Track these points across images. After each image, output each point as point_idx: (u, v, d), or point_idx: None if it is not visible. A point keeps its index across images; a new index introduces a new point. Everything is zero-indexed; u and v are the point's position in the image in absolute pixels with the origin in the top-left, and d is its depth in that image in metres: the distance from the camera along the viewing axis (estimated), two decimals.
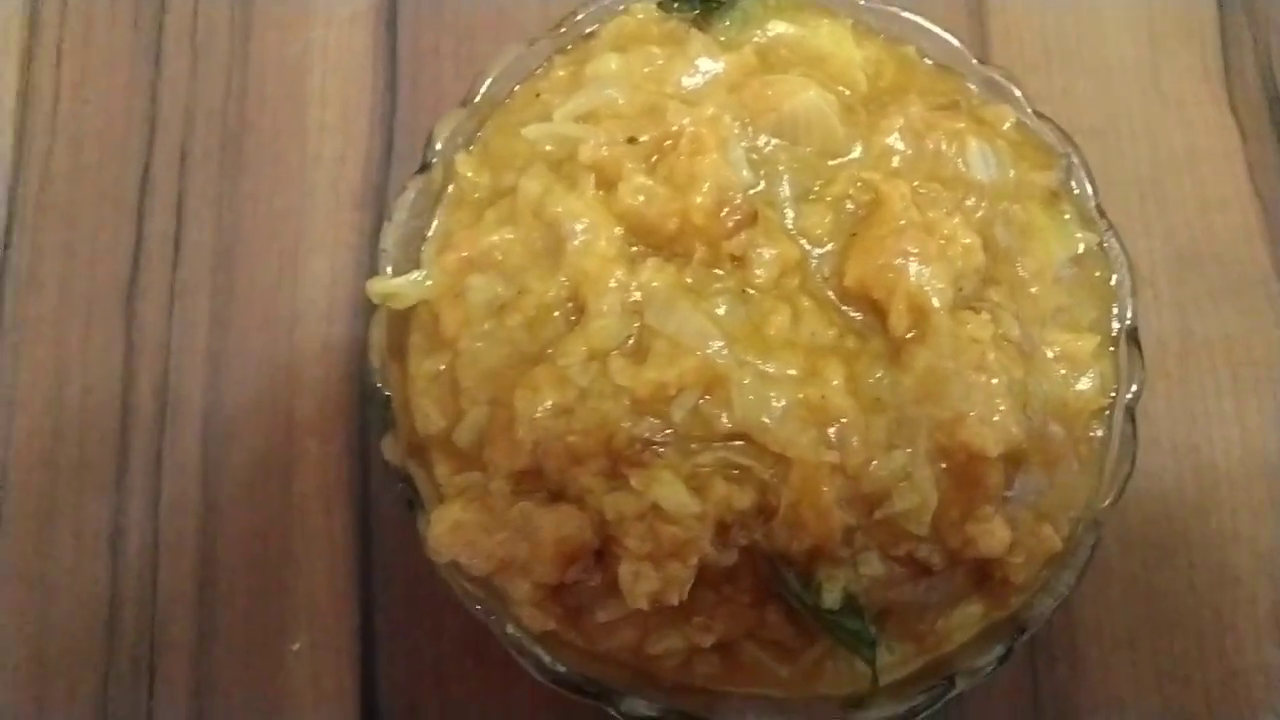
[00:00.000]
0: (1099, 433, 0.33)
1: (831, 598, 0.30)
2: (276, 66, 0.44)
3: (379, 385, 0.32)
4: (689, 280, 0.30)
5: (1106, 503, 0.32)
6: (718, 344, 0.30)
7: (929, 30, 0.36)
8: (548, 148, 0.33)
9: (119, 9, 0.45)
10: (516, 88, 0.34)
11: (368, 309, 0.41)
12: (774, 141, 0.32)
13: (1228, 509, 0.40)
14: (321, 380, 0.42)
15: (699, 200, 0.30)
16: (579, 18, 0.34)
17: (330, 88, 0.44)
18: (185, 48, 0.45)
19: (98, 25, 0.45)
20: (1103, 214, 0.35)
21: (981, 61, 0.36)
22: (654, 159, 0.31)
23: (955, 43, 0.36)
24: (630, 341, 0.31)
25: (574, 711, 0.35)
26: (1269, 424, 0.41)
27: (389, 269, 0.32)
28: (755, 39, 0.34)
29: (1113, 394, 0.33)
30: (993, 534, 0.30)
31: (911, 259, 0.30)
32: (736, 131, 0.31)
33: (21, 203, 0.43)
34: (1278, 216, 0.44)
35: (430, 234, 0.33)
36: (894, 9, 0.35)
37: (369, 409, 0.32)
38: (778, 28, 0.34)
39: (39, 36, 0.45)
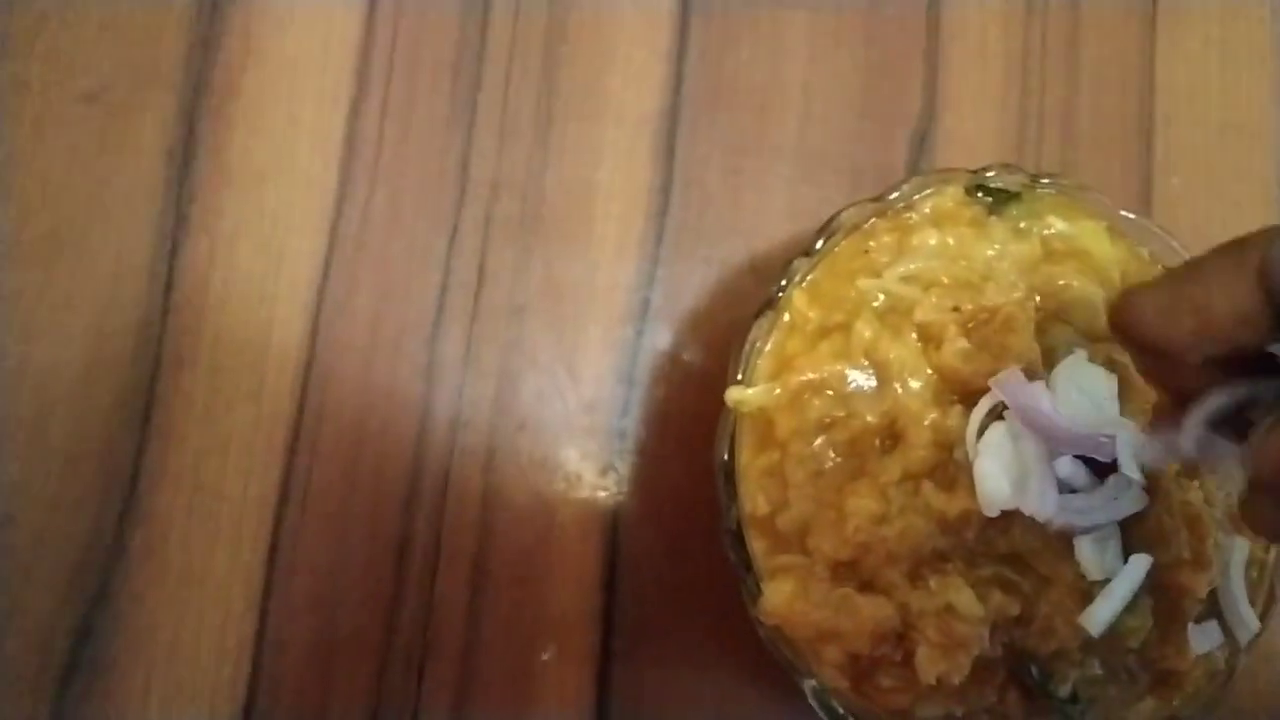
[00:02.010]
0: (1254, 578, 0.42)
1: (1064, 689, 0.39)
2: (573, 155, 0.51)
3: (727, 473, 0.39)
4: None
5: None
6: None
7: (1160, 236, 0.44)
8: (878, 299, 0.41)
9: (439, 78, 0.52)
10: (843, 240, 0.42)
11: (629, 376, 0.49)
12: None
13: None
14: (587, 432, 0.49)
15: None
16: (896, 194, 0.42)
17: (616, 181, 0.52)
18: (495, 126, 0.51)
19: (420, 88, 0.51)
20: None
21: None
22: (970, 326, 0.40)
23: (1180, 250, 0.45)
24: (938, 471, 0.39)
25: None
26: None
27: (739, 377, 0.40)
28: (1037, 230, 0.43)
29: (1268, 549, 0.42)
30: (1182, 654, 0.39)
31: None
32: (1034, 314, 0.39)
33: (340, 238, 0.50)
34: None
35: (766, 351, 0.41)
36: (1140, 219, 0.44)
37: (721, 495, 0.39)
38: (1055, 223, 0.43)
39: (365, 89, 0.51)
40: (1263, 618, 0.41)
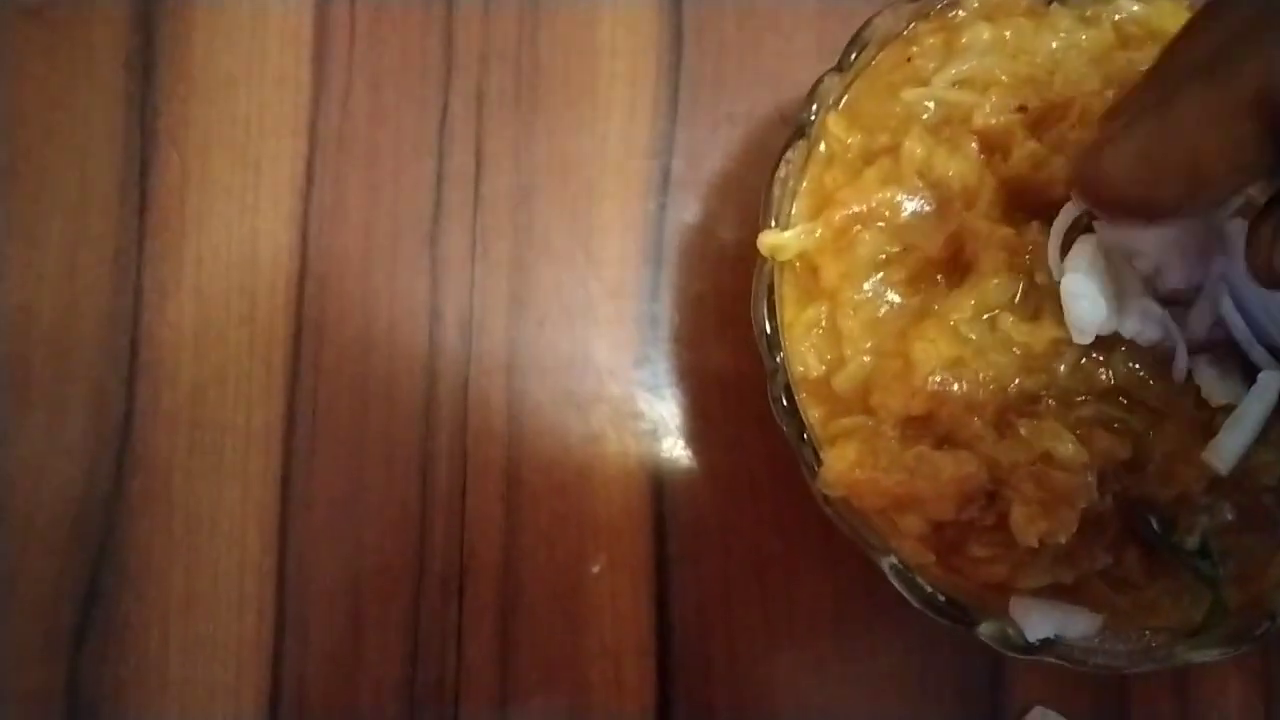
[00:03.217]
0: None
1: (1191, 541, 0.33)
2: (568, 12, 0.46)
3: (770, 332, 0.34)
4: None
5: None
6: None
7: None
8: (926, 112, 0.35)
9: None
10: (880, 52, 0.36)
11: (655, 255, 0.44)
12: None
13: None
14: (615, 321, 0.44)
15: None
16: None
17: (620, 36, 0.46)
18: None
19: None
20: None
21: None
22: (1040, 126, 0.33)
23: None
24: (1016, 300, 0.33)
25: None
26: None
27: (773, 222, 0.34)
28: (1107, 14, 0.36)
29: None
30: None
31: None
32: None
33: (323, 139, 0.45)
34: None
35: (803, 188, 0.35)
36: None
37: (764, 352, 0.33)
38: (1126, 4, 0.36)
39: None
40: None
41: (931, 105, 0.35)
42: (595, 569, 0.42)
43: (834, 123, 0.35)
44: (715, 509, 0.42)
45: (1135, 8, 0.36)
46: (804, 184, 0.36)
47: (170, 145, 0.44)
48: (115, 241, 0.44)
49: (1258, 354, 0.32)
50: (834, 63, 0.40)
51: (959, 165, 0.33)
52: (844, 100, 0.36)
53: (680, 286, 0.44)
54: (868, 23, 0.36)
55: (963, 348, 0.32)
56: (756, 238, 0.35)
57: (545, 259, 0.44)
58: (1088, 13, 0.36)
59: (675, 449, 0.43)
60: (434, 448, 0.43)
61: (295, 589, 0.42)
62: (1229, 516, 0.33)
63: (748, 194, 0.45)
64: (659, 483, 0.43)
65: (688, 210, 0.45)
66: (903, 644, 0.42)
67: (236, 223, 0.44)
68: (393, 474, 0.43)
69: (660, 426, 0.43)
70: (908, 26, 0.36)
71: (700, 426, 0.43)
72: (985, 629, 0.33)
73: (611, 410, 0.43)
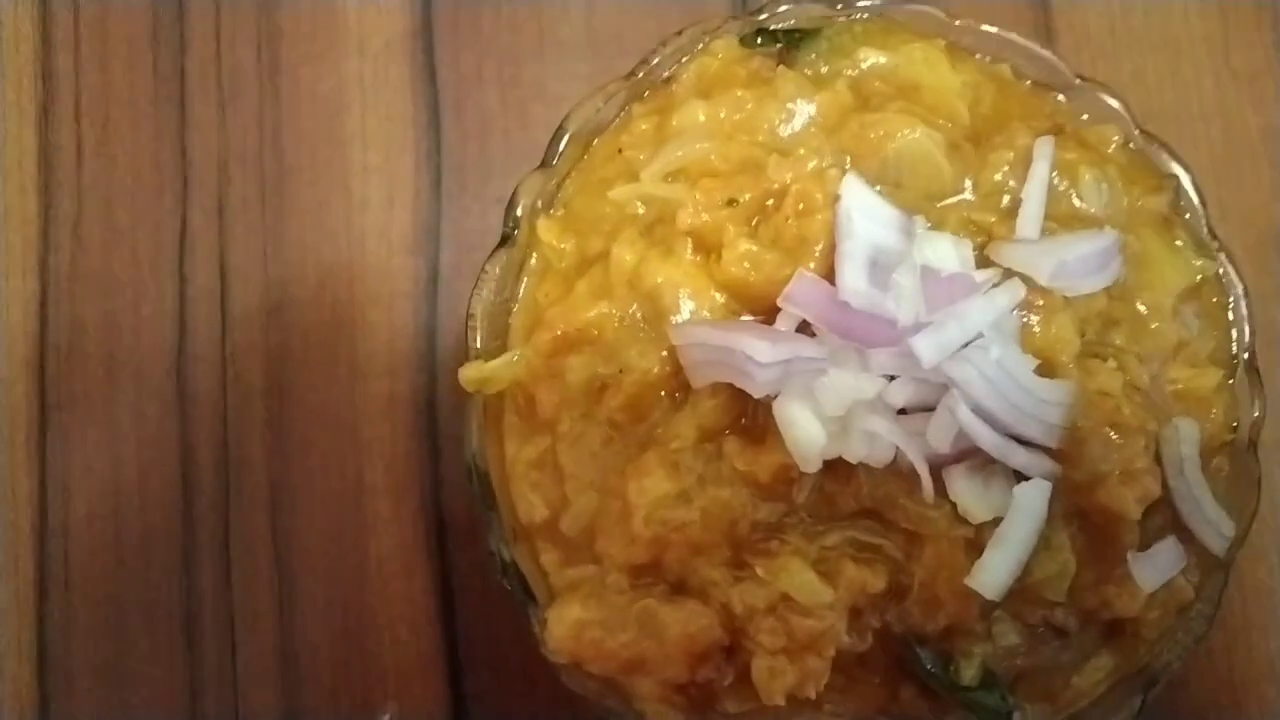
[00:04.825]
0: (1224, 469, 0.32)
1: (969, 674, 0.29)
2: (310, 104, 0.42)
3: (480, 475, 0.30)
4: None
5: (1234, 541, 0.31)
6: None
7: (1019, 45, 0.33)
8: (637, 210, 0.31)
9: (136, 54, 0.42)
10: (595, 141, 0.32)
11: (428, 362, 0.40)
12: (878, 187, 0.30)
13: None
14: (389, 439, 0.40)
15: (812, 266, 0.28)
16: (655, 61, 0.32)
17: (370, 124, 0.42)
18: (211, 90, 0.42)
19: (115, 72, 0.42)
20: (1214, 235, 0.33)
21: (1081, 77, 0.34)
22: (756, 221, 0.29)
23: (1049, 56, 0.33)
24: (743, 421, 0.29)
25: None
26: None
27: (477, 347, 0.30)
28: (847, 71, 0.32)
29: (1235, 425, 0.32)
30: (1130, 594, 0.29)
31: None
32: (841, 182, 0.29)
33: (54, 274, 0.41)
34: None
35: (516, 306, 0.31)
36: (983, 26, 0.33)
37: (476, 500, 0.30)
38: (869, 57, 0.32)
39: (54, 90, 0.42)
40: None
41: (642, 204, 0.31)
42: (385, 717, 0.39)
43: (544, 228, 0.31)
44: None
45: (878, 59, 0.32)
46: (518, 301, 0.32)
47: None
48: None
49: (1017, 458, 0.28)
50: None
51: (671, 271, 0.29)
52: (556, 199, 0.32)
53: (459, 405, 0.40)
54: (570, 113, 0.32)
55: (685, 480, 0.28)
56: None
57: (304, 378, 0.40)
58: (823, 70, 0.32)
59: (465, 578, 0.39)
60: (197, 608, 0.39)
61: None
62: (1014, 639, 0.29)
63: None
64: (451, 617, 0.39)
65: (461, 303, 0.41)
66: None
67: None
68: (156, 647, 0.39)
69: (448, 554, 0.39)
70: (620, 111, 0.32)
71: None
72: None
73: (393, 541, 0.40)
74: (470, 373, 0.30)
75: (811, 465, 0.27)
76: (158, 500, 0.40)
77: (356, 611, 0.39)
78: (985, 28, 0.33)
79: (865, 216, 0.28)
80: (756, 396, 0.27)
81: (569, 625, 0.28)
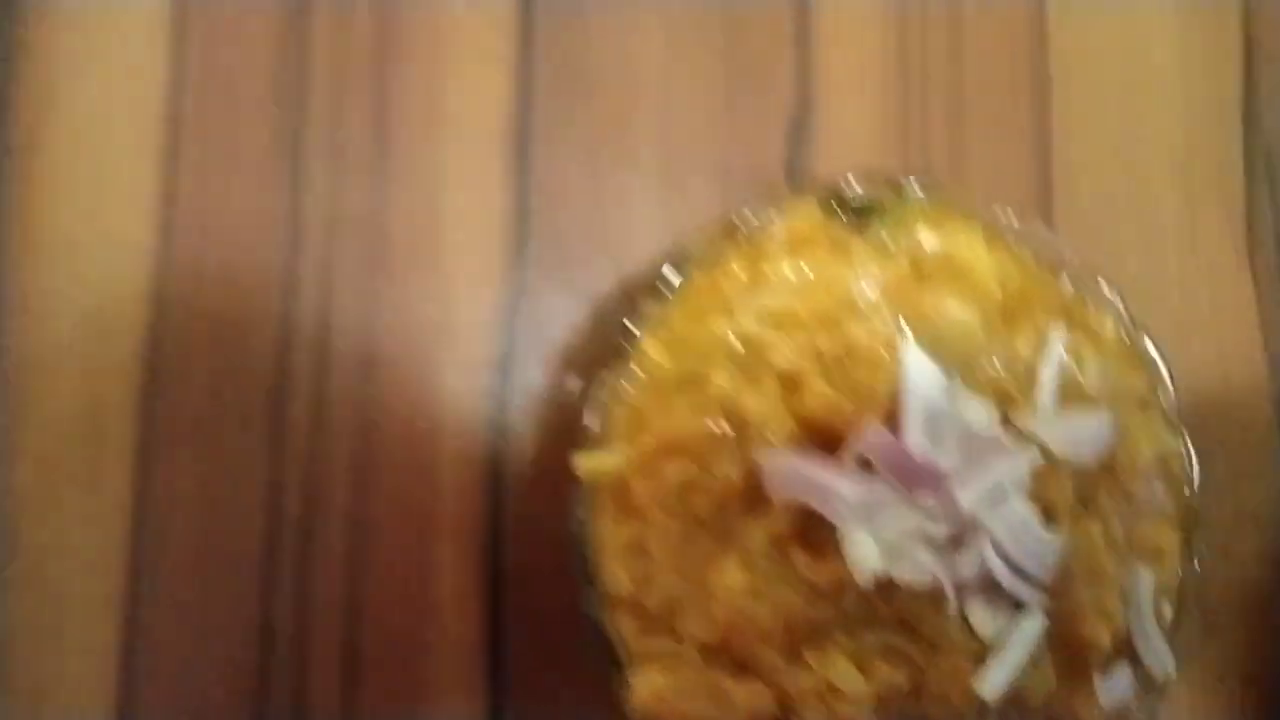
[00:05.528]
0: (1169, 612, 0.39)
1: None
2: (413, 180, 0.47)
3: (584, 552, 0.36)
4: None
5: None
6: None
7: (1039, 235, 0.40)
8: (732, 343, 0.37)
9: (259, 111, 0.47)
10: (695, 274, 0.38)
11: (499, 426, 0.45)
12: (930, 352, 0.36)
13: None
14: (458, 491, 0.45)
15: (877, 412, 0.35)
16: (749, 217, 0.38)
17: (466, 207, 0.47)
18: (325, 155, 0.47)
19: (238, 125, 0.47)
20: (1179, 415, 0.41)
21: (1095, 274, 0.41)
22: (832, 367, 0.36)
23: (1065, 250, 0.41)
24: (808, 534, 0.35)
25: None
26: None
27: (590, 440, 0.36)
28: (906, 245, 0.39)
29: (1180, 577, 0.39)
30: (1093, 706, 0.36)
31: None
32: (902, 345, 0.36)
33: (167, 305, 0.45)
34: None
35: (619, 409, 0.37)
36: (1014, 219, 0.40)
37: (577, 571, 0.36)
38: (925, 236, 0.39)
39: (176, 134, 0.46)
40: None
41: (736, 338, 0.37)
42: None
43: (651, 345, 0.37)
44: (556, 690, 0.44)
45: (932, 237, 0.39)
46: (623, 402, 0.37)
47: (10, 310, 0.44)
48: None
49: (1021, 591, 0.35)
50: (673, 235, 0.43)
51: (759, 402, 0.35)
52: (661, 322, 0.38)
53: (524, 455, 0.46)
54: (683, 247, 0.38)
55: (756, 578, 0.35)
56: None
57: (388, 428, 0.45)
58: (887, 241, 0.39)
59: (514, 623, 0.45)
60: (276, 620, 0.44)
61: None
62: None
63: (591, 365, 0.47)
64: (499, 655, 0.45)
65: (531, 377, 0.46)
66: None
67: (80, 387, 0.44)
68: (230, 639, 0.44)
69: (500, 599, 0.45)
70: (719, 252, 0.38)
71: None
72: None
73: (452, 583, 0.45)
74: (584, 462, 0.36)
75: (866, 581, 0.34)
76: (244, 523, 0.44)
77: (418, 643, 0.44)
78: (1010, 220, 0.40)
79: (922, 378, 0.35)
80: (837, 524, 0.33)
81: (651, 689, 0.35)
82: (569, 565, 0.41)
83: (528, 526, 0.45)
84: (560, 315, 0.47)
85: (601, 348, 0.46)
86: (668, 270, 0.37)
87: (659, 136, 0.48)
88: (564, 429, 0.46)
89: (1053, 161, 0.51)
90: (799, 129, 0.49)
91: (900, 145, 0.49)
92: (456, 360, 0.46)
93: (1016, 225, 0.40)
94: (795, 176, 0.48)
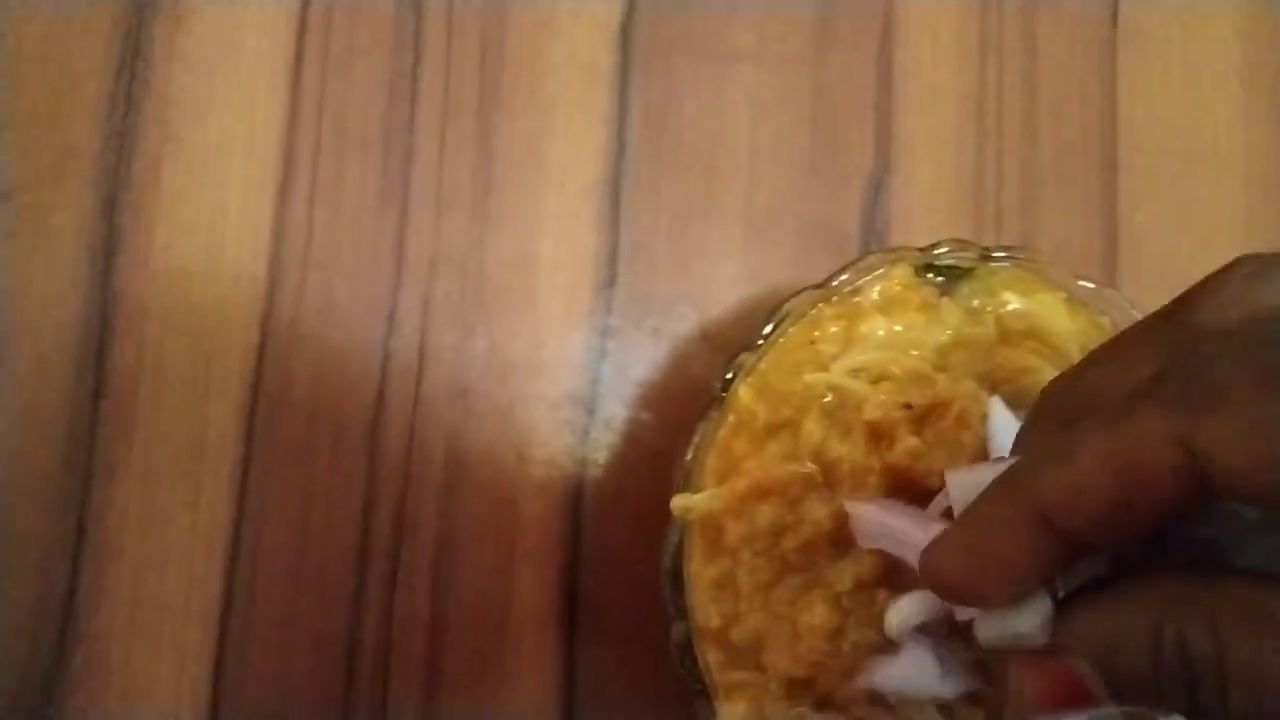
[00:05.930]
0: None
1: None
2: (512, 225, 0.49)
3: (675, 584, 0.38)
4: None
5: None
6: None
7: (1118, 303, 0.42)
8: (825, 395, 0.39)
9: (369, 153, 0.49)
10: (790, 329, 0.40)
11: (580, 457, 0.47)
12: (1014, 411, 0.38)
13: None
14: (540, 517, 0.47)
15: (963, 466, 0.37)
16: (843, 277, 0.40)
17: (560, 253, 0.50)
18: (430, 198, 0.49)
19: (349, 165, 0.49)
20: None
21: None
22: (922, 421, 0.38)
23: (1136, 315, 0.43)
24: (892, 576, 0.37)
25: None
26: None
27: (684, 482, 0.38)
28: (991, 309, 0.41)
29: None
30: None
31: None
32: (988, 403, 0.38)
33: (274, 330, 0.48)
34: None
35: (711, 452, 0.39)
36: (1095, 286, 0.42)
37: (669, 606, 0.37)
38: (1010, 299, 0.41)
39: (292, 171, 0.49)
40: None
41: (829, 390, 0.39)
42: None
43: (744, 394, 0.39)
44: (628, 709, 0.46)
45: (1016, 302, 0.41)
46: (716, 446, 0.39)
47: (128, 334, 0.47)
48: (67, 421, 0.46)
49: None
50: (751, 286, 0.45)
51: (849, 451, 0.38)
52: (755, 372, 0.40)
53: (602, 486, 0.48)
54: (781, 304, 0.40)
55: (843, 618, 0.37)
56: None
57: (476, 455, 0.47)
58: (974, 304, 0.41)
59: (586, 644, 0.47)
60: (362, 635, 0.46)
61: None
62: None
63: (669, 403, 0.49)
64: (573, 676, 0.46)
65: (614, 414, 0.49)
66: None
67: (188, 408, 0.47)
68: (320, 657, 0.46)
69: (575, 622, 0.47)
70: (813, 308, 0.40)
71: (609, 647, 0.47)
72: None
73: (533, 603, 0.47)
74: (679, 502, 0.38)
75: (891, 634, 0.35)
76: (338, 542, 0.46)
77: (496, 661, 0.46)
78: (1095, 288, 0.42)
79: (1007, 433, 0.37)
80: (916, 568, 0.35)
81: (738, 718, 0.36)
82: (644, 591, 0.44)
83: (605, 553, 0.47)
84: (643, 356, 0.49)
85: (682, 390, 0.49)
86: (764, 327, 0.39)
87: (744, 193, 0.51)
88: (641, 463, 0.48)
89: (1119, 227, 0.53)
90: (877, 190, 0.51)
91: (974, 208, 0.51)
92: (543, 394, 0.48)
93: (1092, 287, 0.41)
94: (872, 236, 0.51)
